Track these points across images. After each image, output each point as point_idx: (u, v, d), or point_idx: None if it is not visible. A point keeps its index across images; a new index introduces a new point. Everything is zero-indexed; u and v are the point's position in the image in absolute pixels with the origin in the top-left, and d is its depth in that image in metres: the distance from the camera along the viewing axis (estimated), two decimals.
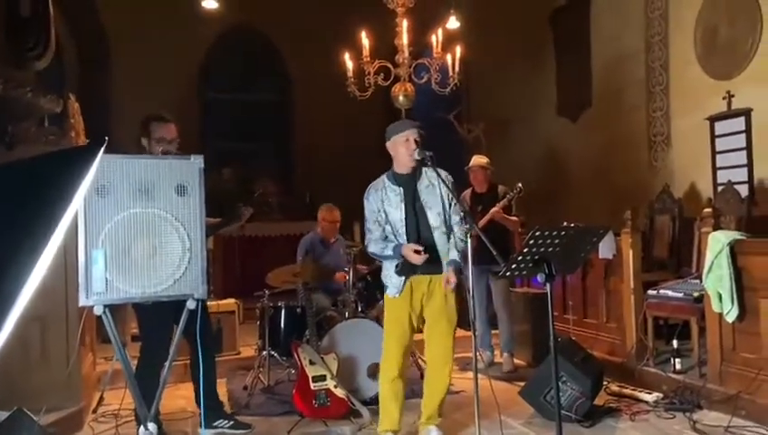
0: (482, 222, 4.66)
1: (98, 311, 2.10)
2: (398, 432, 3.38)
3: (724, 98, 5.85)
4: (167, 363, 2.37)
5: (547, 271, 2.76)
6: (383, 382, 3.37)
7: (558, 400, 2.82)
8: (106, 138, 1.50)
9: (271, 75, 10.82)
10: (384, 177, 3.40)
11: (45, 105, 3.85)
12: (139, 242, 2.12)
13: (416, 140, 3.28)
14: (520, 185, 4.82)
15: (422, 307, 3.34)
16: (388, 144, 3.39)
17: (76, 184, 1.40)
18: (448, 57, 5.86)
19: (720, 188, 5.75)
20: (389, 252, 3.29)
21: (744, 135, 5.74)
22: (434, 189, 3.31)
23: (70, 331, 3.82)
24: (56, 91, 4.01)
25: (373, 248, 3.37)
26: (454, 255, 3.30)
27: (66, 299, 3.79)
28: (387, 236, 3.33)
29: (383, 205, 3.32)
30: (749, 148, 5.70)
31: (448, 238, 3.32)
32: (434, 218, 3.30)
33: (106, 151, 1.98)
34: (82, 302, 2.08)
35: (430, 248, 3.26)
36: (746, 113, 5.70)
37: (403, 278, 3.27)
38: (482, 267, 4.55)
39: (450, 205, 3.32)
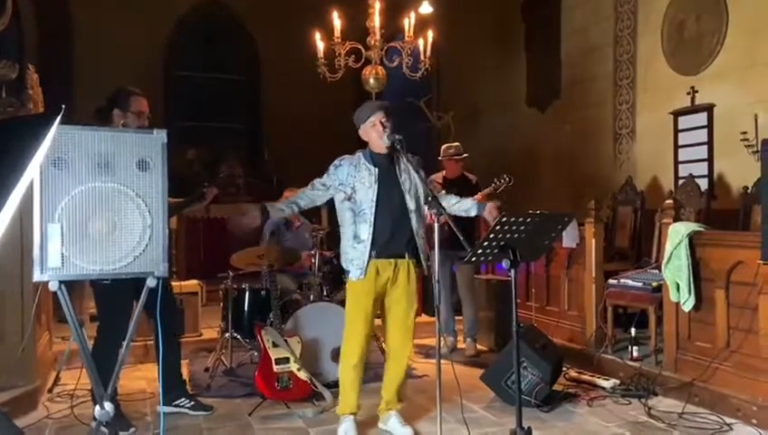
0: None
1: (53, 287, 2.03)
2: (356, 414, 3.38)
3: (688, 93, 5.97)
4: (125, 343, 2.31)
5: (512, 257, 2.79)
6: (344, 368, 3.33)
7: (519, 385, 2.85)
8: (63, 106, 1.45)
9: (239, 54, 10.60)
10: (360, 154, 3.34)
11: (0, 71, 3.71)
12: (97, 217, 2.05)
13: (382, 122, 3.25)
14: (507, 177, 4.85)
15: (386, 292, 3.31)
16: (360, 132, 3.36)
17: (31, 152, 1.35)
18: (420, 42, 5.83)
19: (681, 182, 5.88)
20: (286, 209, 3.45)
21: (705, 130, 5.87)
22: (409, 172, 3.30)
23: (25, 307, 3.71)
24: (13, 58, 3.86)
25: (302, 201, 3.39)
26: (471, 203, 3.49)
27: (21, 275, 3.69)
28: (354, 212, 3.25)
29: (354, 181, 3.25)
30: (710, 143, 5.84)
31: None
32: (411, 201, 3.28)
33: (65, 124, 1.92)
34: (37, 277, 2.01)
35: (399, 232, 3.25)
36: (709, 109, 5.83)
37: (367, 259, 3.21)
38: (447, 253, 4.58)
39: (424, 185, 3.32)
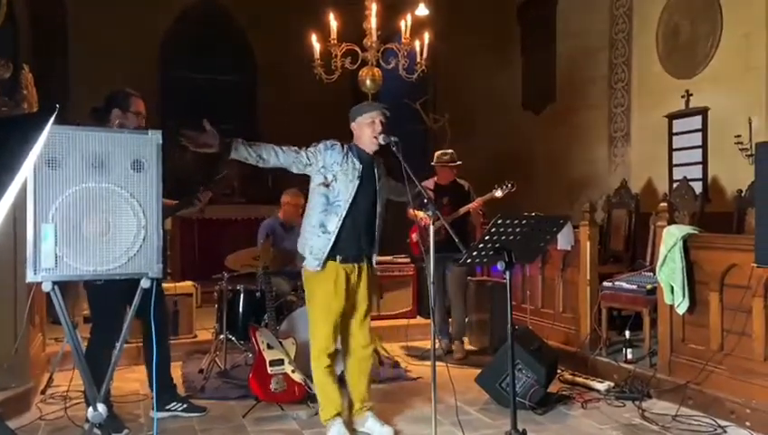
0: (463, 210, 4.90)
1: (46, 287, 2.02)
2: (342, 413, 3.37)
3: (682, 96, 6.00)
4: (118, 344, 2.31)
5: (507, 259, 2.79)
6: (319, 370, 3.30)
7: (513, 387, 2.85)
8: (57, 106, 1.44)
9: (235, 55, 10.59)
10: (347, 146, 3.30)
11: None
12: (91, 218, 2.05)
13: (381, 122, 3.26)
14: (510, 183, 4.87)
15: (350, 295, 3.31)
16: (353, 124, 3.34)
17: (25, 152, 1.35)
18: (417, 44, 5.83)
19: (675, 185, 5.90)
20: (251, 155, 3.12)
21: (700, 133, 5.90)
22: (383, 181, 3.35)
23: (18, 308, 3.69)
24: (7, 57, 3.85)
25: (267, 156, 3.16)
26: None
27: (15, 275, 3.66)
28: (329, 200, 3.19)
29: (338, 169, 3.21)
30: (704, 146, 5.86)
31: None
32: (381, 206, 3.32)
33: (60, 123, 1.91)
34: (30, 278, 2.00)
35: (366, 235, 3.27)
36: (703, 112, 5.85)
37: (327, 252, 3.17)
38: (440, 256, 4.58)
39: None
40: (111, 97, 3.48)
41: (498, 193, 4.81)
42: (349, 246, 3.23)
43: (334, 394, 3.33)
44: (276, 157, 3.20)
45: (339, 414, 3.33)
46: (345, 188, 3.20)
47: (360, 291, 3.34)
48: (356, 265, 3.29)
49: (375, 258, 3.40)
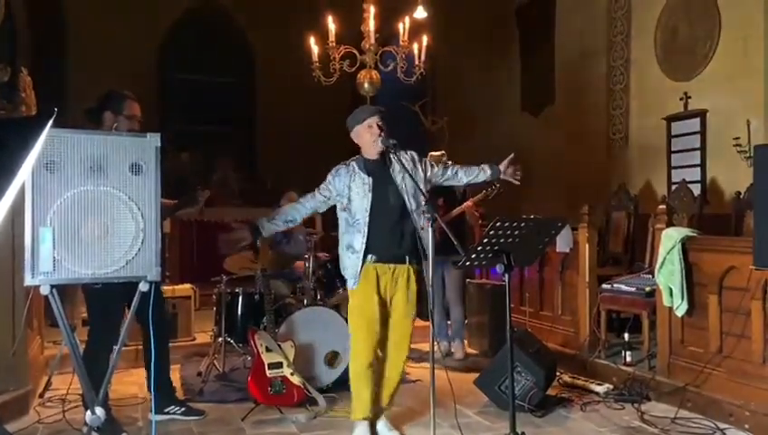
0: (456, 211, 4.89)
1: (44, 290, 2.02)
2: (369, 418, 3.33)
3: (681, 99, 6.01)
4: (116, 347, 2.30)
5: (506, 262, 2.79)
6: (355, 370, 3.28)
7: (512, 390, 2.85)
8: (55, 109, 1.45)
9: (234, 56, 10.60)
10: (353, 163, 3.31)
11: None
12: (90, 221, 2.04)
13: (378, 125, 3.24)
14: (497, 184, 4.87)
15: (387, 296, 3.29)
16: (352, 134, 3.34)
17: (23, 155, 1.35)
18: (415, 46, 5.84)
19: (674, 187, 5.91)
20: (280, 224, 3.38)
21: (698, 136, 5.91)
22: (406, 172, 3.24)
23: (16, 311, 3.68)
24: (5, 60, 3.84)
25: (293, 217, 3.39)
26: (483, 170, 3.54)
27: (13, 278, 3.65)
28: (349, 222, 3.24)
29: (349, 191, 3.24)
30: (703, 148, 5.87)
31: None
32: (411, 202, 3.24)
33: (58, 127, 1.91)
34: (28, 281, 2.00)
35: (398, 237, 3.23)
36: (702, 115, 5.87)
37: (360, 269, 3.19)
38: (438, 258, 4.58)
39: (424, 179, 3.31)
40: (105, 98, 3.45)
41: (487, 194, 4.82)
42: (381, 249, 3.21)
43: (366, 397, 3.27)
44: (303, 210, 3.40)
45: (366, 418, 3.30)
46: (360, 205, 3.21)
47: (396, 295, 3.28)
48: (392, 266, 3.25)
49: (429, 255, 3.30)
